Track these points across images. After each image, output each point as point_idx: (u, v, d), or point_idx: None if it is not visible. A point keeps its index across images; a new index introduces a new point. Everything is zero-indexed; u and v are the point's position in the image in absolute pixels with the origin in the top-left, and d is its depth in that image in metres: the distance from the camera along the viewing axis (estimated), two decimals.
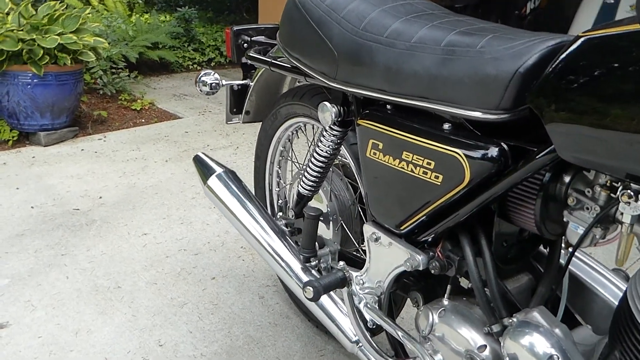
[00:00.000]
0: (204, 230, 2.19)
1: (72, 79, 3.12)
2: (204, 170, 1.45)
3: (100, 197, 2.47)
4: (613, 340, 0.79)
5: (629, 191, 0.70)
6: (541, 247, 1.04)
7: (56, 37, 2.92)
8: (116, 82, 3.93)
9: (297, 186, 1.32)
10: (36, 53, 2.92)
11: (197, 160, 1.49)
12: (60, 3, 3.31)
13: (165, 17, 5.92)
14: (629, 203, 0.70)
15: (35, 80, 2.98)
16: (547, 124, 0.75)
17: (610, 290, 0.99)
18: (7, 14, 3.09)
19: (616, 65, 0.67)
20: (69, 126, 3.23)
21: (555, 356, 0.80)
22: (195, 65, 5.33)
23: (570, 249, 0.86)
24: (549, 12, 4.24)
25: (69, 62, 3.02)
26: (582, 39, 0.72)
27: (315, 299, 1.03)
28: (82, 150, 3.06)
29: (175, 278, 1.87)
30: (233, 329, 1.63)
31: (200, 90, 1.54)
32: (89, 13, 3.35)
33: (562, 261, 1.00)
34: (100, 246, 2.06)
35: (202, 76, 1.53)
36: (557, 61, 0.74)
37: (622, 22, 0.70)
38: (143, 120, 3.63)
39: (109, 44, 3.87)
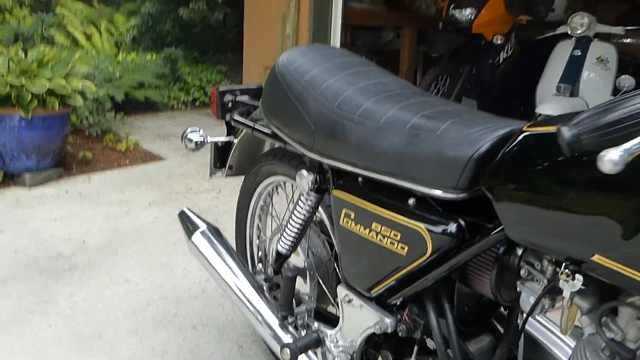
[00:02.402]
0: (185, 277, 2.24)
1: (59, 121, 3.19)
2: (188, 226, 1.52)
3: (84, 242, 2.51)
4: None
5: (567, 271, 0.79)
6: (502, 309, 1.13)
7: (45, 82, 3.00)
8: (102, 123, 4.00)
9: (276, 244, 1.39)
10: (24, 97, 2.98)
11: (183, 216, 1.56)
12: (48, 44, 3.40)
13: (152, 55, 6.04)
14: (567, 281, 0.79)
15: (22, 123, 3.04)
16: (496, 206, 0.84)
17: (563, 350, 1.07)
18: None
19: (551, 159, 0.77)
20: (53, 167, 3.28)
21: None
22: (180, 105, 5.43)
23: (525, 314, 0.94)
24: (521, 61, 4.45)
25: (57, 106, 3.09)
26: (524, 134, 0.82)
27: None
28: (67, 192, 3.10)
29: (156, 327, 1.91)
30: None
31: (186, 146, 1.62)
32: (78, 57, 3.43)
33: (527, 327, 1.09)
34: (83, 293, 2.10)
35: (188, 133, 1.61)
36: (504, 152, 0.83)
37: (559, 120, 0.80)
38: (127, 162, 3.69)
39: (96, 85, 3.95)
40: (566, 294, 0.81)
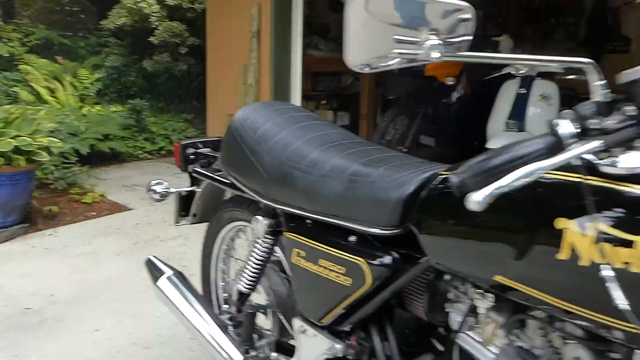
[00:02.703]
0: (154, 323, 2.32)
1: (25, 178, 3.26)
2: (154, 272, 1.63)
3: (52, 295, 2.56)
4: None
5: (479, 290, 0.95)
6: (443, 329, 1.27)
7: (11, 140, 3.09)
8: (67, 176, 4.07)
9: (237, 285, 1.52)
10: None
11: (148, 263, 1.67)
12: (13, 101, 3.50)
13: (117, 107, 6.17)
14: (479, 299, 0.94)
15: None
16: (420, 239, 0.99)
17: None
18: None
19: (456, 198, 0.92)
20: (20, 223, 3.33)
21: None
22: (145, 154, 5.53)
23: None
24: (473, 100, 4.74)
25: (23, 162, 3.17)
26: (439, 177, 0.98)
27: None
28: (33, 247, 3.15)
29: None
30: None
31: (151, 197, 1.74)
32: (43, 113, 3.54)
33: (459, 342, 1.23)
34: (53, 345, 2.15)
35: (153, 186, 1.74)
36: (424, 193, 1.00)
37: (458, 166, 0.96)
38: (94, 213, 3.76)
39: (61, 139, 4.04)
40: (481, 310, 0.96)
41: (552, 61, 0.79)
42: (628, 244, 0.69)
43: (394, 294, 1.10)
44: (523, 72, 3.94)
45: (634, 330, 0.68)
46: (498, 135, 3.83)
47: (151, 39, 6.35)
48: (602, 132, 0.71)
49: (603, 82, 0.72)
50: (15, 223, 3.30)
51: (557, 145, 0.70)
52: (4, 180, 3.14)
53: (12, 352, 2.10)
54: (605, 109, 0.72)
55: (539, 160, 0.71)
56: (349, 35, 0.69)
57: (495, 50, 4.61)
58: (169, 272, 1.61)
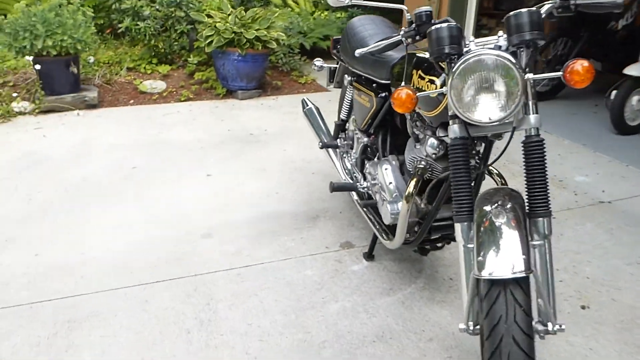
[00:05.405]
0: (311, 149, 3.93)
1: (261, 58, 5.10)
2: (304, 104, 3.19)
3: (265, 130, 4.36)
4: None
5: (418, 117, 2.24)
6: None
7: (254, 31, 4.90)
8: (291, 63, 5.88)
9: (340, 115, 2.97)
10: (241, 41, 4.93)
11: (302, 101, 3.24)
12: (261, 7, 5.28)
13: (340, 14, 7.79)
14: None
15: (239, 58, 5.01)
16: (391, 87, 2.31)
17: None
18: (229, 14, 5.17)
19: (401, 61, 2.20)
20: (256, 89, 5.23)
21: (392, 163, 2.34)
22: None
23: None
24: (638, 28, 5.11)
25: (261, 47, 4.99)
26: (406, 54, 2.27)
27: (324, 147, 2.74)
28: (262, 104, 5.03)
29: (293, 170, 3.64)
30: (304, 196, 3.34)
31: (314, 68, 3.26)
32: (277, 15, 5.29)
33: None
34: (260, 152, 3.92)
35: (315, 62, 3.24)
36: (397, 62, 2.29)
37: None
38: (304, 90, 5.51)
39: (289, 36, 5.80)
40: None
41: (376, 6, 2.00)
42: (424, 79, 1.93)
43: (386, 113, 2.43)
44: None
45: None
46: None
47: None
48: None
49: (410, 18, 1.92)
50: (253, 88, 5.20)
51: (399, 40, 1.94)
52: (249, 58, 5.01)
53: (238, 153, 3.93)
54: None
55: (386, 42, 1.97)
56: None
57: None
58: (311, 105, 3.15)
